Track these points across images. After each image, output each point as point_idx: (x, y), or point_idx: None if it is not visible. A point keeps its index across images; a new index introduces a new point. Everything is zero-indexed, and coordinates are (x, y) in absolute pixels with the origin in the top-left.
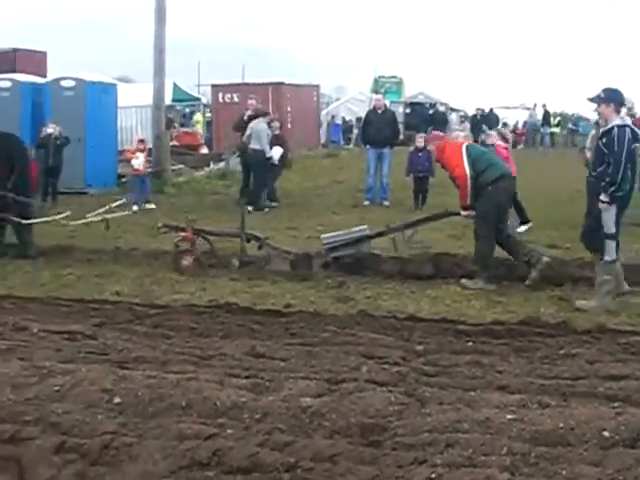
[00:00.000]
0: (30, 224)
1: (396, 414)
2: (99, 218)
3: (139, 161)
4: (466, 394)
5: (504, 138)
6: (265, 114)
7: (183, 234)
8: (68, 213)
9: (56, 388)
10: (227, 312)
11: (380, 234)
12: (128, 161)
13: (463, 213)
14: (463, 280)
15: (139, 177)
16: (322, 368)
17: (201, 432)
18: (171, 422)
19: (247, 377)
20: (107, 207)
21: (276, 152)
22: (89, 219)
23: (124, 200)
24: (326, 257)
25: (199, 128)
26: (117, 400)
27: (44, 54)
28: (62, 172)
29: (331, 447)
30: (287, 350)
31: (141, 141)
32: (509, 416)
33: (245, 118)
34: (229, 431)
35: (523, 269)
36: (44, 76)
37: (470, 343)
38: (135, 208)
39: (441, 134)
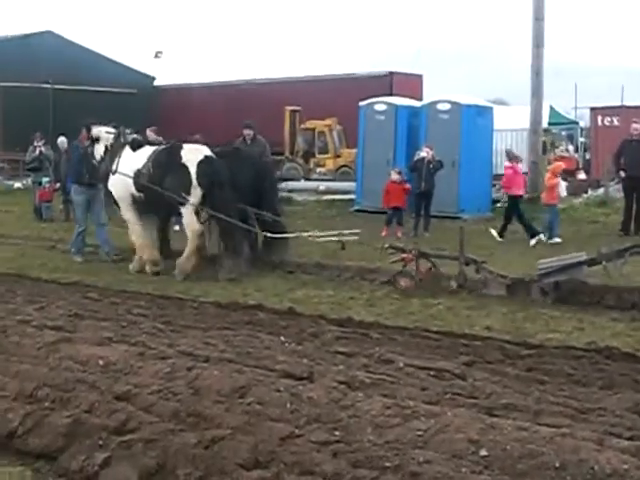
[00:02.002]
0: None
1: None
2: (334, 238)
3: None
4: None
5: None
6: None
7: (403, 255)
8: (316, 232)
9: (419, 432)
10: (607, 358)
11: (593, 260)
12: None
13: None
14: None
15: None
16: None
17: None
18: None
19: (630, 438)
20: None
21: None
22: (327, 237)
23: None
24: (543, 283)
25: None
26: (483, 452)
27: (419, 78)
28: (435, 196)
29: None
30: None
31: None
32: None
33: None
34: None
35: None
36: (419, 99)
37: None
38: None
39: None
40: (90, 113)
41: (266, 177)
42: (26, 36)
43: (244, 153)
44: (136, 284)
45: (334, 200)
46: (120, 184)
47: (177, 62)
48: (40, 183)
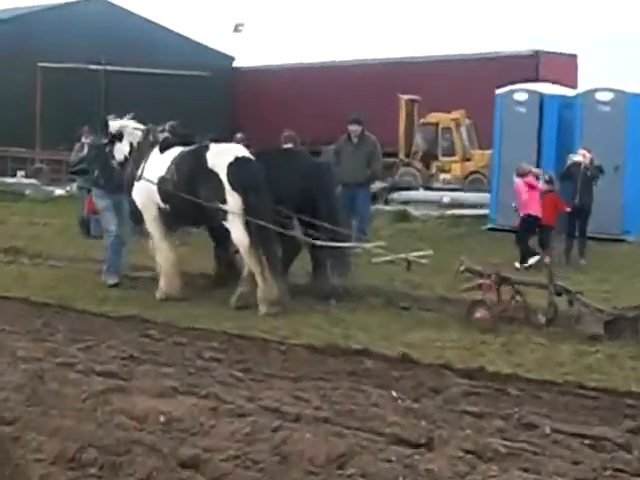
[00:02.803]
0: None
1: None
2: (401, 256)
3: None
4: None
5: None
6: None
7: (480, 281)
8: (381, 243)
9: None
10: None
11: None
12: None
13: None
14: None
15: None
16: None
17: None
18: None
19: None
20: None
21: None
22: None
23: None
24: None
25: None
26: None
27: (573, 58)
28: (592, 212)
29: None
30: None
31: None
32: None
33: None
34: None
35: None
36: (573, 87)
37: None
38: None
39: None
40: (151, 102)
41: (318, 180)
42: (70, 4)
43: (291, 152)
44: (208, 320)
45: (462, 216)
46: (145, 192)
47: (261, 38)
48: (89, 190)
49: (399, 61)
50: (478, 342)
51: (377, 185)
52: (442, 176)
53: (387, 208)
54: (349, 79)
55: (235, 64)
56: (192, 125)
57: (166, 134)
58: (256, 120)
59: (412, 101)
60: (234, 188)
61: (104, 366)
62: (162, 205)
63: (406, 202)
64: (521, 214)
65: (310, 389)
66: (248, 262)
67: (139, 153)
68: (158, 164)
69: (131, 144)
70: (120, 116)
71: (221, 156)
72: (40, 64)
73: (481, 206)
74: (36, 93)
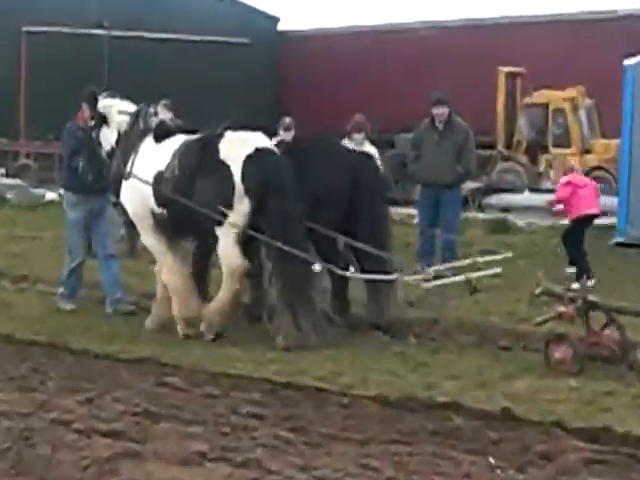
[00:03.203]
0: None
1: None
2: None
3: None
4: None
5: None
6: None
7: (560, 310)
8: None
9: None
10: None
11: None
12: None
13: None
14: None
15: None
16: None
17: None
18: None
19: None
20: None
21: None
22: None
23: None
24: None
25: None
26: None
27: None
28: None
29: None
30: None
31: None
32: None
33: None
34: None
35: None
36: None
37: None
38: None
39: None
40: (171, 77)
41: (362, 181)
42: None
43: (326, 143)
44: (245, 363)
45: None
46: (136, 194)
47: None
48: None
49: (494, 22)
50: (602, 393)
51: (469, 185)
52: (553, 173)
53: (481, 216)
54: (428, 47)
55: (280, 27)
56: (225, 106)
57: (161, 117)
58: (307, 100)
59: (514, 75)
60: (248, 190)
61: (110, 424)
62: (158, 211)
63: (506, 208)
64: None
65: (381, 455)
66: (225, 281)
67: (127, 142)
68: (153, 157)
69: (118, 131)
70: (126, 95)
71: (238, 145)
72: (25, 28)
73: (606, 214)
74: (20, 66)
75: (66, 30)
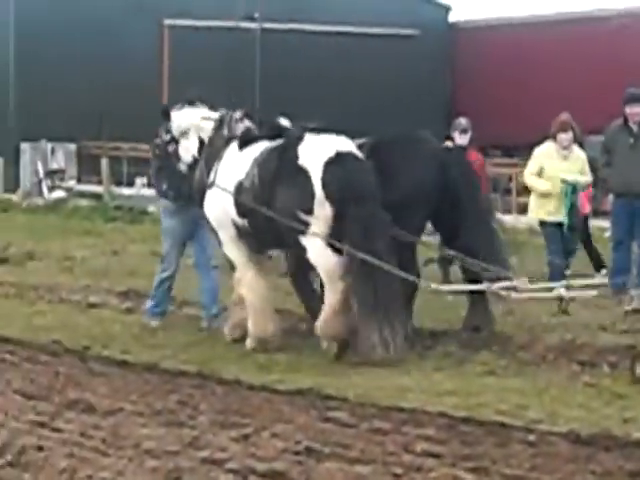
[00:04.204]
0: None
1: None
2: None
3: None
4: None
5: None
6: None
7: None
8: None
9: None
10: None
11: None
12: None
13: None
14: None
15: None
16: None
17: None
18: None
19: None
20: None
21: None
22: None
23: None
24: None
25: None
26: None
27: None
28: None
29: None
30: None
31: None
32: None
33: None
34: None
35: None
36: None
37: None
38: None
39: None
40: (329, 74)
41: (458, 185)
42: None
43: (414, 142)
44: (418, 395)
45: None
46: (219, 204)
47: None
48: None
49: None
50: None
51: None
52: None
53: None
54: (618, 36)
55: (452, 17)
56: (388, 107)
57: (247, 124)
58: (484, 98)
59: None
60: (328, 195)
61: (269, 464)
62: (239, 221)
63: None
64: None
65: None
66: (328, 290)
67: (211, 151)
68: (235, 165)
69: (201, 140)
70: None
71: (318, 149)
72: (167, 21)
73: None
74: (161, 63)
75: (212, 23)
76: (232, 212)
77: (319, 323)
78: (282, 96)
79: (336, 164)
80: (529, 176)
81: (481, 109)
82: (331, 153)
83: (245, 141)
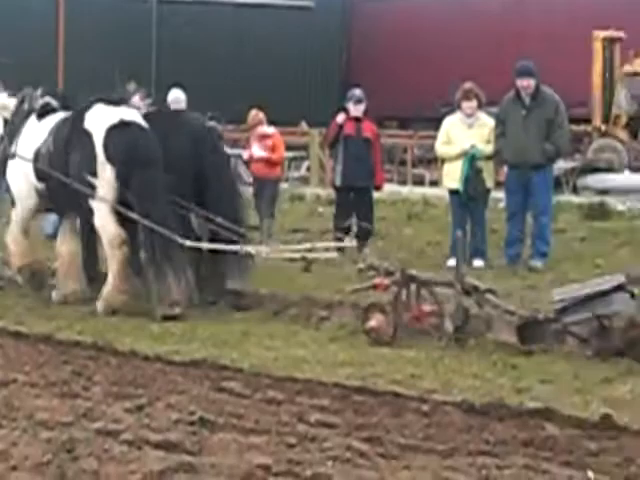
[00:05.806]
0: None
1: None
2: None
3: None
4: None
5: None
6: None
7: (376, 281)
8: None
9: None
10: None
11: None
12: None
13: None
14: None
15: None
16: None
17: None
18: None
19: None
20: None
21: None
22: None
23: None
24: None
25: None
26: None
27: None
28: None
29: None
30: None
31: None
32: None
33: None
34: None
35: None
36: None
37: None
38: None
39: None
40: (226, 48)
41: (207, 154)
42: None
43: (180, 116)
44: (313, 366)
45: None
46: (20, 173)
47: None
48: None
49: None
50: None
51: (561, 165)
52: None
53: (576, 199)
54: (514, 8)
55: None
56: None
57: (47, 99)
58: (380, 70)
59: (612, 40)
60: (110, 157)
61: (163, 434)
62: (39, 186)
63: (605, 190)
64: None
65: (466, 468)
66: (111, 257)
67: (13, 126)
68: (34, 135)
69: (5, 119)
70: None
71: (102, 117)
72: None
73: None
74: (57, 32)
75: None
76: (33, 179)
77: (103, 295)
78: (178, 66)
79: (119, 129)
80: (439, 146)
81: (377, 81)
82: (115, 120)
83: (43, 113)
